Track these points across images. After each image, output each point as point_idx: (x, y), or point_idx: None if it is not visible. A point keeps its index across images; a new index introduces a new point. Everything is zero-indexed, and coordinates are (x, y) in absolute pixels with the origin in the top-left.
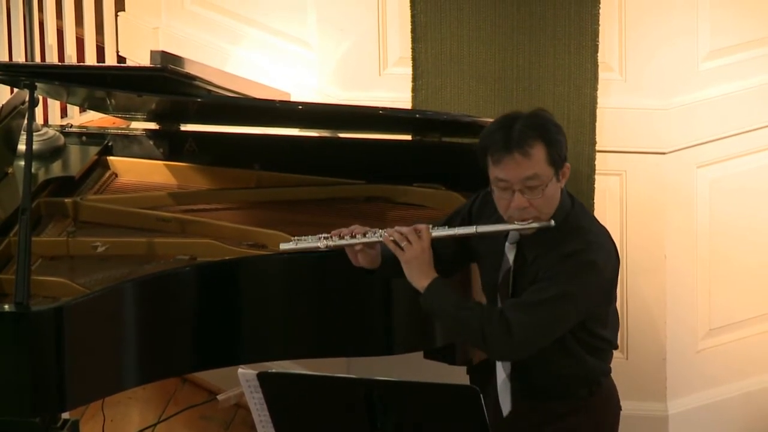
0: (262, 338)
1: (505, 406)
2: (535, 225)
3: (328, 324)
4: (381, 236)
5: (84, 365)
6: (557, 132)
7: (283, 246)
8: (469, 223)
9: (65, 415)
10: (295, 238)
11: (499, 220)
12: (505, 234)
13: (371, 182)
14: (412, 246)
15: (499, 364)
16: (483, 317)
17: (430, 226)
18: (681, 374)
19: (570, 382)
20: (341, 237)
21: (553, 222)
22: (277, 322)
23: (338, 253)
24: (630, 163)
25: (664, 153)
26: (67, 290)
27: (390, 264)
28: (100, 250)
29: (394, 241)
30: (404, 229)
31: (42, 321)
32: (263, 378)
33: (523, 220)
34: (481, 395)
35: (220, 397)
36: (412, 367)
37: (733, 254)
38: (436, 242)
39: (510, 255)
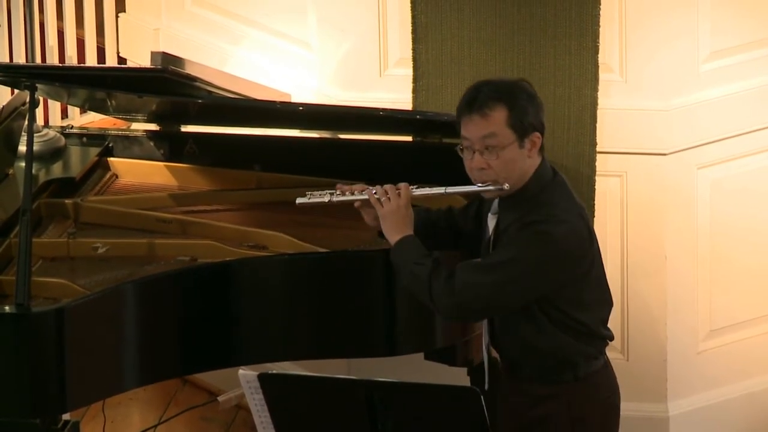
0: (263, 339)
1: (486, 378)
2: (491, 188)
3: (329, 325)
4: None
5: (84, 366)
6: (527, 101)
7: (299, 200)
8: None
9: (66, 416)
10: (309, 193)
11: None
12: (489, 206)
13: (371, 183)
14: (390, 202)
15: (483, 336)
16: (432, 273)
17: (414, 186)
18: (682, 375)
19: (547, 361)
20: (344, 193)
21: (507, 185)
22: (278, 323)
23: (338, 254)
24: (630, 165)
25: (664, 154)
26: (68, 291)
27: None
28: (100, 251)
29: (377, 198)
30: (387, 186)
31: (42, 322)
32: (264, 379)
33: (483, 182)
34: (482, 396)
35: (220, 398)
36: (413, 368)
37: (733, 255)
38: (457, 218)
39: (491, 224)
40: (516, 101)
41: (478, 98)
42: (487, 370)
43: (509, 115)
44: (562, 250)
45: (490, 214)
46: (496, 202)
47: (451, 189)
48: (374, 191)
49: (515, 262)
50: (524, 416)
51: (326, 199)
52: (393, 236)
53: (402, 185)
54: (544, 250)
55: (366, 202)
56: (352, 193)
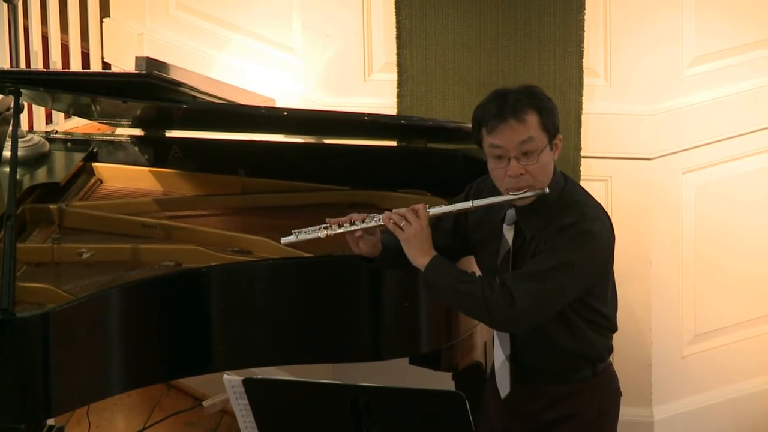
0: (248, 344)
1: (504, 388)
2: (530, 193)
3: (314, 329)
4: (380, 220)
5: (69, 371)
6: (549, 102)
7: (285, 240)
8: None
9: (51, 422)
10: (295, 231)
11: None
12: (501, 217)
13: (356, 188)
14: (411, 225)
15: (497, 346)
16: (485, 288)
17: (427, 204)
18: (666, 380)
19: (574, 360)
20: (340, 225)
21: (548, 189)
22: (263, 328)
23: (323, 259)
24: (615, 169)
25: (649, 159)
26: (53, 296)
27: (390, 250)
28: (85, 256)
29: (394, 223)
30: (402, 210)
31: (27, 327)
32: (249, 384)
33: (518, 189)
34: (467, 401)
35: (205, 403)
36: (398, 373)
37: (718, 260)
38: (433, 233)
39: (509, 236)
40: (543, 104)
41: (507, 105)
42: (510, 379)
43: (540, 118)
44: (604, 246)
45: (505, 225)
46: (510, 212)
47: (479, 202)
48: (388, 218)
49: (565, 265)
50: (540, 419)
51: (322, 234)
52: (421, 259)
53: (419, 206)
54: (590, 248)
55: (367, 231)
56: (351, 223)
